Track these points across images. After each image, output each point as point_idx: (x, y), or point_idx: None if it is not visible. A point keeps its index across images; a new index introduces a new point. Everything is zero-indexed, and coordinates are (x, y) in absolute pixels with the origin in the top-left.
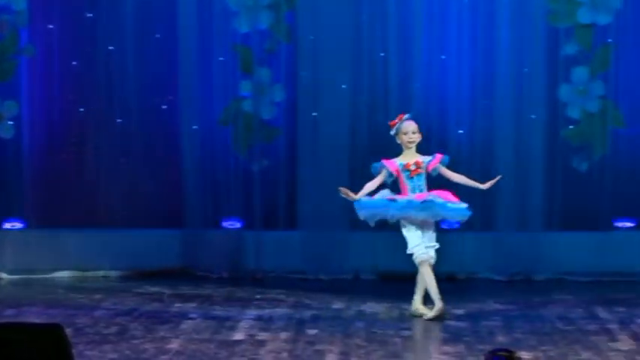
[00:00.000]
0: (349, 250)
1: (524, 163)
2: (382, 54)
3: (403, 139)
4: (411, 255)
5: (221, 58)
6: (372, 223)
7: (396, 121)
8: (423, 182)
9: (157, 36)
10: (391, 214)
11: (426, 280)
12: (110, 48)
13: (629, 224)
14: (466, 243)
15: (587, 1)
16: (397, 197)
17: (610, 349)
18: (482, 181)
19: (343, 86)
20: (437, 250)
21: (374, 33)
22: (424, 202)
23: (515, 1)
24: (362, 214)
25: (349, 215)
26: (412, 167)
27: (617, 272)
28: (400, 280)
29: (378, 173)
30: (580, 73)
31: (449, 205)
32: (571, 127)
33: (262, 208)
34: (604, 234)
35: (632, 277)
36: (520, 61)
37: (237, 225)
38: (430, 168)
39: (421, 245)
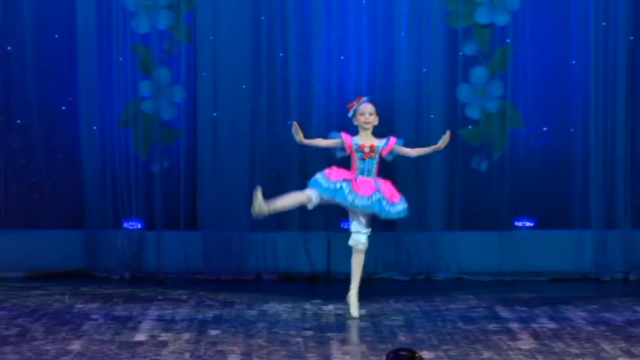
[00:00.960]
0: (250, 251)
1: (424, 162)
2: (281, 54)
3: (359, 119)
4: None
5: (120, 59)
6: (310, 206)
7: (354, 103)
8: (373, 166)
9: (56, 36)
10: (335, 201)
11: (353, 265)
12: (9, 48)
13: (528, 224)
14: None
15: (485, 1)
16: (342, 181)
17: (511, 349)
18: (435, 144)
19: (243, 86)
20: (351, 248)
21: (273, 33)
22: (366, 207)
23: (413, 2)
24: (311, 192)
25: (250, 215)
26: (366, 149)
27: (518, 272)
28: (301, 280)
29: (333, 139)
30: (479, 73)
31: (388, 208)
32: (470, 127)
33: (163, 208)
34: (504, 233)
35: (532, 277)
36: (419, 61)
37: (138, 225)
38: (385, 152)
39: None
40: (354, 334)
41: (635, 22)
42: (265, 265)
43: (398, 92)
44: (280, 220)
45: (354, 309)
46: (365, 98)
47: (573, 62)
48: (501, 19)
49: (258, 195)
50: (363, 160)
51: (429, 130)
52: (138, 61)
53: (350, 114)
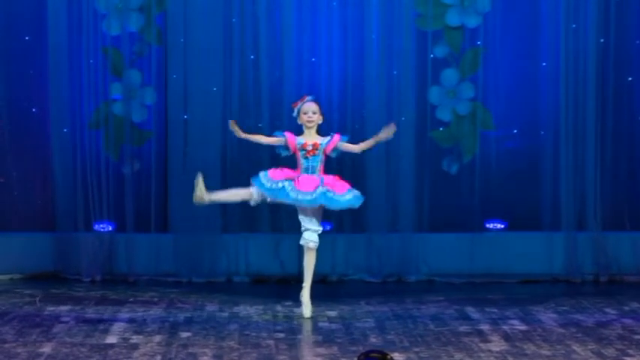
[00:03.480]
0: (221, 253)
1: (395, 164)
2: (252, 56)
3: (303, 118)
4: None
5: (91, 61)
6: (252, 203)
7: (299, 102)
8: (318, 163)
9: (27, 38)
10: (279, 200)
11: (305, 263)
12: None
13: (499, 226)
14: (337, 245)
15: (456, 3)
16: (285, 180)
17: (482, 350)
18: (377, 135)
19: (214, 89)
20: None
21: (244, 35)
22: (311, 202)
23: (384, 4)
24: (254, 189)
25: (221, 218)
26: (309, 148)
27: (489, 273)
28: (272, 282)
29: (276, 137)
30: (449, 75)
31: (337, 198)
32: (441, 129)
33: (134, 210)
34: (475, 235)
35: (503, 278)
36: (390, 63)
37: (109, 228)
38: (328, 150)
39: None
40: (325, 337)
41: (605, 25)
42: (237, 267)
43: (369, 94)
44: (252, 222)
45: (307, 309)
46: (309, 97)
47: (544, 64)
48: (472, 22)
49: (200, 182)
50: (307, 158)
51: (400, 132)
52: (109, 64)
53: (294, 113)
